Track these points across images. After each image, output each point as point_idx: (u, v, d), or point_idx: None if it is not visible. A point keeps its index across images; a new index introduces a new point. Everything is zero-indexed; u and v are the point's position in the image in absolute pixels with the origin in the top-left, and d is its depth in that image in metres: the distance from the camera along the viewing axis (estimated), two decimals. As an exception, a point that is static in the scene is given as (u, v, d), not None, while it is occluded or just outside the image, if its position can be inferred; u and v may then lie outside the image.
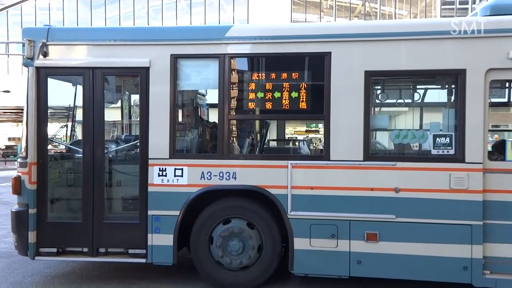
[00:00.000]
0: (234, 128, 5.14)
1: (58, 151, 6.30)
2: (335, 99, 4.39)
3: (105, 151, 4.94)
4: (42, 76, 4.79)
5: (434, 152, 4.33)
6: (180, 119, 5.36)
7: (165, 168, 4.61)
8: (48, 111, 4.92)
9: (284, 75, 4.55)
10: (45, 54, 4.76)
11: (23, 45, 4.73)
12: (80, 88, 5.02)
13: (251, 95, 4.63)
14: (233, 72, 4.67)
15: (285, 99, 4.53)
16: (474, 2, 25.83)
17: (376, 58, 4.37)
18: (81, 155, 4.94)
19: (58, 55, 4.82)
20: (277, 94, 4.54)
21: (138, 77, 4.75)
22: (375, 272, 4.41)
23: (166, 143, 4.61)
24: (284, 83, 4.53)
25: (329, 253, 4.41)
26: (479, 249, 4.19)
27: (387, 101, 5.18)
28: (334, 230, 4.39)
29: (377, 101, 5.10)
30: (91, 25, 25.98)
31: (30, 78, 4.76)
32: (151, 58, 4.65)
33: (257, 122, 5.55)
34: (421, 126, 5.22)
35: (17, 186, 4.79)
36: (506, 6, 4.38)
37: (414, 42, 4.33)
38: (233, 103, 4.71)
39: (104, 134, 4.86)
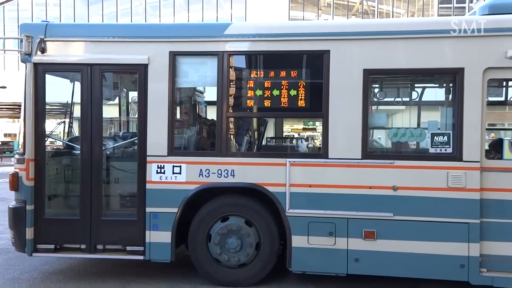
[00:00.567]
0: (232, 126, 5.13)
1: (56, 147, 6.28)
2: (333, 97, 4.39)
3: (103, 148, 4.93)
4: (39, 72, 4.76)
5: (432, 150, 4.34)
6: (178, 116, 5.36)
7: (163, 165, 4.60)
8: (46, 107, 4.89)
9: (283, 73, 4.55)
10: (43, 50, 4.73)
11: (21, 41, 4.70)
12: (78, 84, 5.00)
13: (250, 93, 4.63)
14: (231, 69, 4.65)
15: (284, 97, 4.52)
16: (471, 1, 25.86)
17: (374, 57, 4.38)
18: (79, 152, 4.93)
19: (56, 51, 4.79)
20: (275, 92, 4.54)
21: (137, 74, 4.74)
22: (373, 270, 4.43)
23: (164, 140, 4.60)
24: (283, 81, 4.53)
25: (327, 250, 4.42)
26: (476, 247, 4.21)
27: (386, 99, 5.18)
28: (332, 228, 4.40)
29: (376, 99, 5.10)
30: (88, 22, 25.88)
31: (27, 74, 4.73)
32: (149, 55, 4.63)
33: (255, 119, 5.57)
34: (419, 124, 5.22)
35: (15, 182, 4.77)
36: (505, 5, 4.40)
37: (413, 41, 4.34)
38: (232, 100, 4.70)
39: (102, 130, 4.85)
